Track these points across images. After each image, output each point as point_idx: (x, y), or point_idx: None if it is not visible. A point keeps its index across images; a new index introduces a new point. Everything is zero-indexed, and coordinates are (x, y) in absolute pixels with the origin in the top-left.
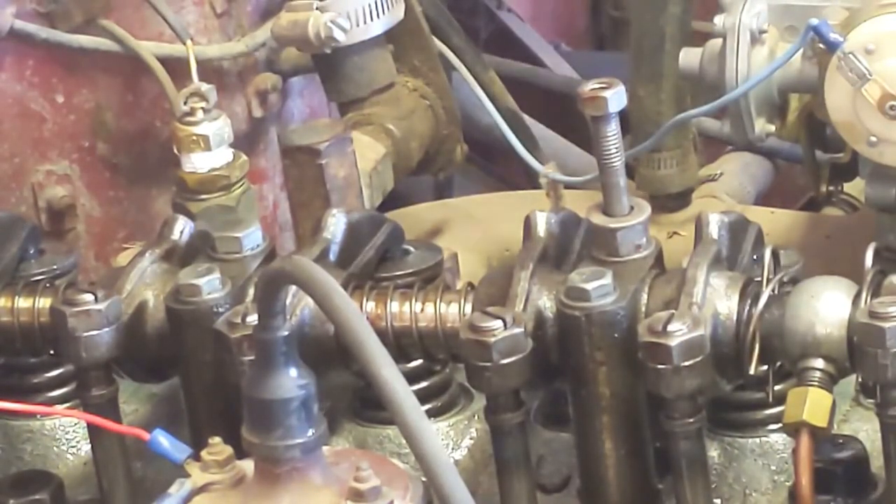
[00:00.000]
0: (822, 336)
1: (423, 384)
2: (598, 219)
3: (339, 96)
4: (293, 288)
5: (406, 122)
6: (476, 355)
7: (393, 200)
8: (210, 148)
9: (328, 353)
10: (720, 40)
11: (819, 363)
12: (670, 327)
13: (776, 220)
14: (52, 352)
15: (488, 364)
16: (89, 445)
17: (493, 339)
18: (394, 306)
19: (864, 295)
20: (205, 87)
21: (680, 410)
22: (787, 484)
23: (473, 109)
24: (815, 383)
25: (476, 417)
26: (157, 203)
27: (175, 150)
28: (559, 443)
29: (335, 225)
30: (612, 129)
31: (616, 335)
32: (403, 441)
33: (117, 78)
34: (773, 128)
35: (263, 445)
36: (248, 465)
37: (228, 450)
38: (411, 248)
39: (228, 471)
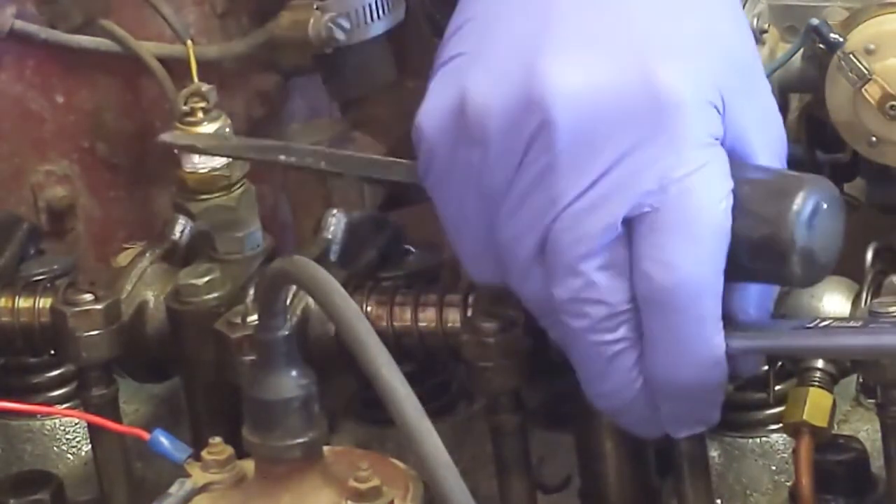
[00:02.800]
0: None
1: (424, 384)
2: None
3: (340, 96)
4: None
5: (407, 122)
6: (476, 355)
7: (394, 200)
8: None
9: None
10: None
11: (819, 363)
12: None
13: None
14: (52, 352)
15: (489, 364)
16: (89, 445)
17: (492, 340)
18: (394, 306)
19: (864, 295)
20: (205, 87)
21: None
22: (788, 484)
23: None
24: (816, 383)
25: (476, 417)
26: (157, 203)
27: (175, 151)
28: (559, 443)
29: (335, 225)
30: None
31: None
32: (404, 441)
33: (117, 78)
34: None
35: (264, 445)
36: (248, 465)
37: (229, 450)
38: (412, 249)
39: (229, 470)
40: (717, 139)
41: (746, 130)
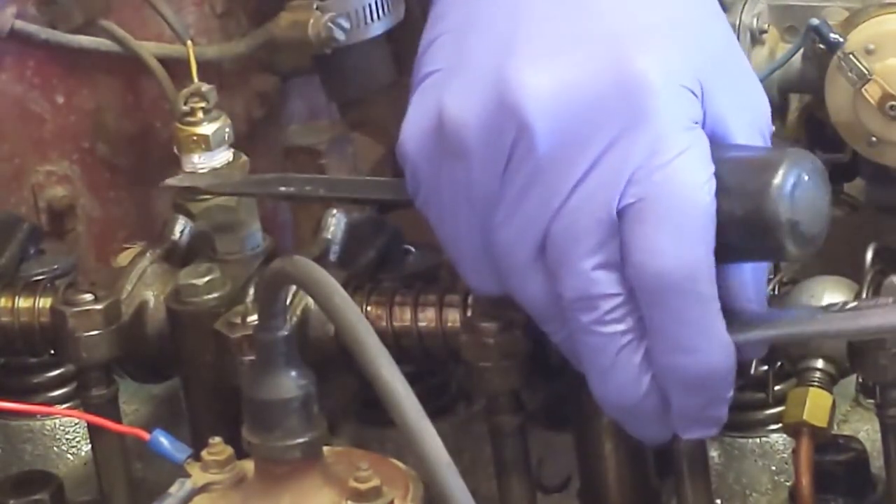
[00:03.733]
0: None
1: (424, 384)
2: None
3: (339, 96)
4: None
5: None
6: (476, 356)
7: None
8: (210, 148)
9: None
10: None
11: (819, 363)
12: None
13: None
14: (52, 352)
15: (488, 365)
16: (89, 445)
17: (492, 340)
18: (394, 306)
19: (863, 295)
20: (205, 87)
21: None
22: (788, 484)
23: None
24: (816, 383)
25: (476, 418)
26: (158, 203)
27: (175, 151)
28: (559, 443)
29: (335, 225)
30: None
31: None
32: (404, 441)
33: (118, 78)
34: (773, 128)
35: (263, 446)
36: (248, 465)
37: (229, 450)
38: (412, 249)
39: (229, 471)
40: (696, 123)
41: (725, 113)
